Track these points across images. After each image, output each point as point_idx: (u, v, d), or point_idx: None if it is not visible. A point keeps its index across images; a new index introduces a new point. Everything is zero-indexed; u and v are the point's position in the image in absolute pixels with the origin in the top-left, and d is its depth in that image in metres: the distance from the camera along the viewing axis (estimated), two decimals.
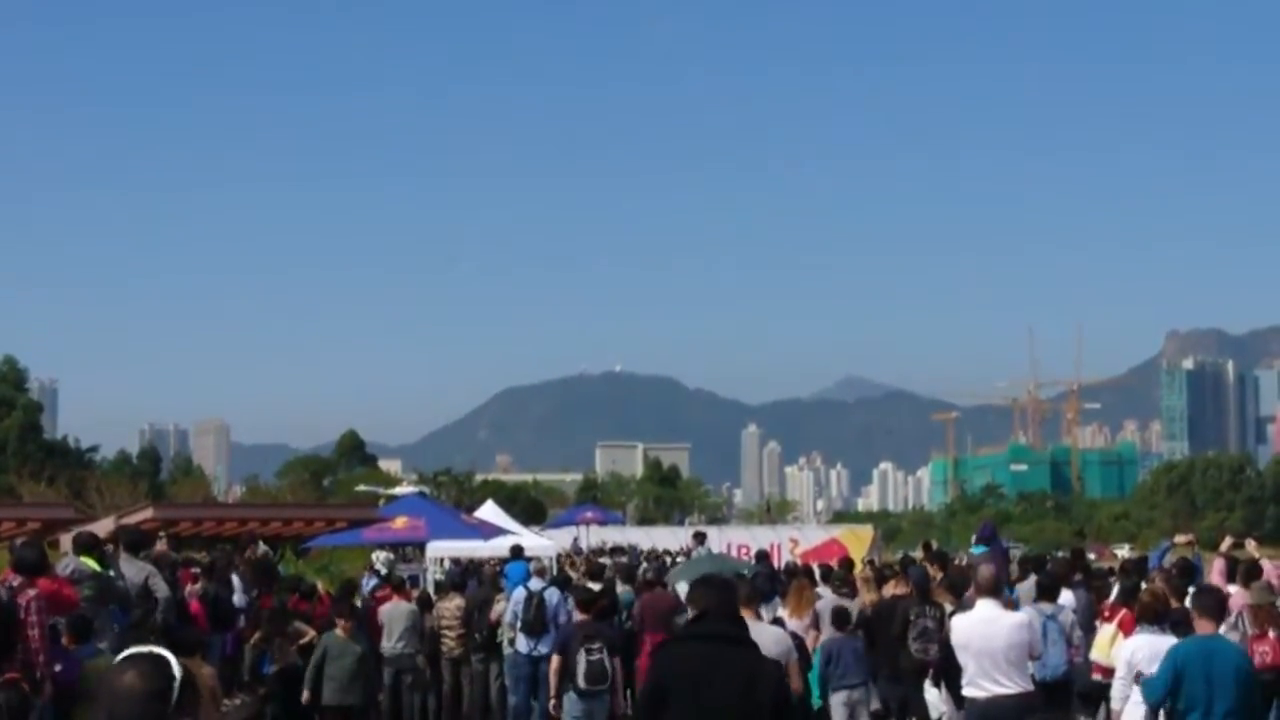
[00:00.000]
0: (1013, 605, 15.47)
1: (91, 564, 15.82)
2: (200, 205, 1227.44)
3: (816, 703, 17.32)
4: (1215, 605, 12.45)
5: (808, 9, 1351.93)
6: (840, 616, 17.71)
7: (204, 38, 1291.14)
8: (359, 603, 24.00)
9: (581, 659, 16.64)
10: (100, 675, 4.81)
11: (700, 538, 36.93)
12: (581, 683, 16.65)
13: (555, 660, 17.19)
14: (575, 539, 54.68)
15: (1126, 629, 15.72)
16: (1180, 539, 24.77)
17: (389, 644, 21.33)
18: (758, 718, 7.94)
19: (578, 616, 17.89)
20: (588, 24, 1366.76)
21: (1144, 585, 18.14)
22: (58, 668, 13.37)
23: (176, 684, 4.78)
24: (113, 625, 15.39)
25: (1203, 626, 12.10)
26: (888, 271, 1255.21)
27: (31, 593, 13.30)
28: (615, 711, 17.59)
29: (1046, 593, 17.50)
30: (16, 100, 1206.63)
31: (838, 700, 17.19)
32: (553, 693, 17.25)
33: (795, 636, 15.88)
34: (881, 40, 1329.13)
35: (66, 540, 21.22)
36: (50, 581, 14.08)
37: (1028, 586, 19.54)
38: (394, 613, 21.36)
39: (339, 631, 18.65)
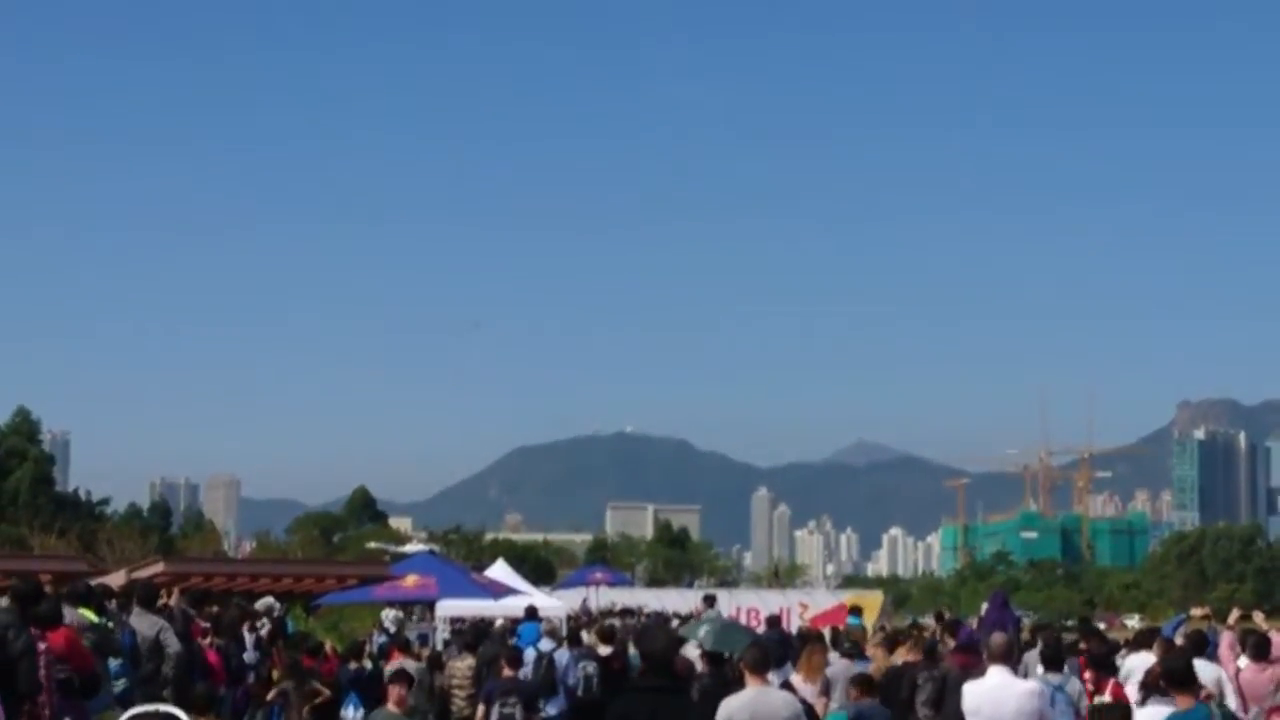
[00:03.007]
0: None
1: (90, 615, 15.87)
2: (214, 260, 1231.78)
3: None
4: (1178, 675, 12.11)
5: (816, 73, 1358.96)
6: (863, 683, 17.72)
7: (217, 89, 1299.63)
8: (367, 662, 23.96)
9: (495, 712, 18.30)
10: None
11: (710, 601, 36.87)
12: None
13: (480, 710, 18.92)
14: (585, 600, 54.60)
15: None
16: (1196, 612, 24.80)
17: None
18: None
19: (507, 672, 19.39)
20: (596, 88, 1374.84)
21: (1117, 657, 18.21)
22: None
23: None
24: (110, 676, 15.44)
25: (1180, 700, 11.87)
26: (899, 337, 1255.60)
27: (42, 646, 13.36)
28: None
29: (1054, 663, 17.49)
30: (27, 150, 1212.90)
31: None
32: None
33: (805, 703, 15.83)
34: (892, 101, 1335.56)
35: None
36: (65, 634, 14.14)
37: (1033, 655, 19.57)
38: None
39: (391, 706, 17.06)
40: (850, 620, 29.28)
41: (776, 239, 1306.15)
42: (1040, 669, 17.78)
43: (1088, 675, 18.14)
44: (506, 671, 19.26)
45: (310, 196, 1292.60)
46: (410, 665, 21.51)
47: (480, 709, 18.92)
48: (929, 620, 45.71)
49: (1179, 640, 19.72)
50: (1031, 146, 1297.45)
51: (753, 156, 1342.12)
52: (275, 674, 21.56)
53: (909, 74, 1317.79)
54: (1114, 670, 18.17)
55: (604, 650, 23.79)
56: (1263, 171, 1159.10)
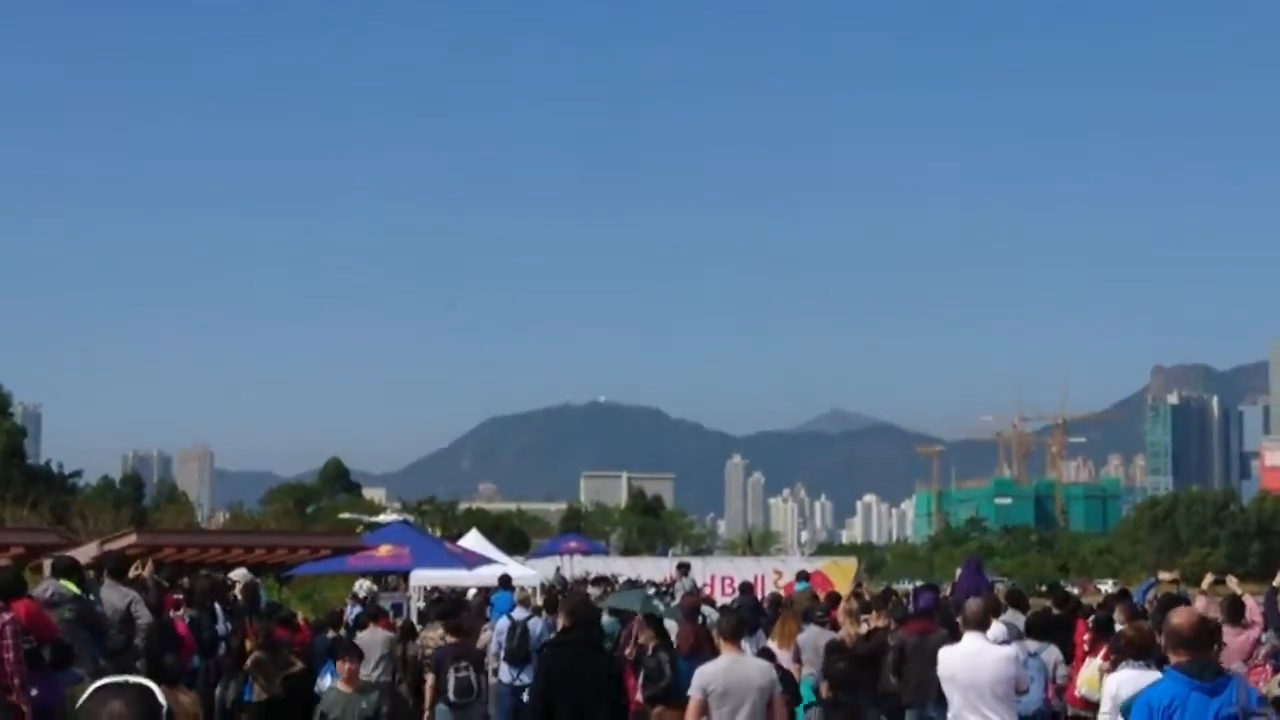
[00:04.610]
0: None
1: (71, 587, 15.78)
2: (186, 231, 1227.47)
3: None
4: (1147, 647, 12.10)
5: (801, 53, 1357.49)
6: (836, 650, 17.75)
7: (186, 61, 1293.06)
8: (343, 632, 23.84)
9: (451, 676, 18.42)
10: (84, 705, 4.71)
11: (684, 569, 36.90)
12: (451, 696, 18.41)
13: (431, 677, 19.16)
14: (558, 568, 54.60)
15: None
16: (1165, 576, 24.85)
17: (366, 672, 21.16)
18: (608, 697, 12.63)
19: (449, 639, 19.60)
20: (576, 59, 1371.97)
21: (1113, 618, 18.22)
22: (34, 691, 13.34)
23: (164, 714, 4.69)
24: (90, 649, 15.36)
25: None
26: (873, 304, 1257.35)
27: (6, 616, 13.30)
28: None
29: (1032, 629, 17.51)
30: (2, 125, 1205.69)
31: None
32: (427, 705, 19.50)
33: (781, 669, 15.81)
34: (871, 84, 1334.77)
35: (49, 566, 21.15)
36: (30, 606, 14.07)
37: (1008, 618, 19.63)
38: (370, 641, 21.14)
39: (341, 685, 15.83)
40: (798, 587, 29.32)
41: (749, 207, 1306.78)
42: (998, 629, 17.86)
43: (1086, 636, 18.16)
44: (451, 638, 19.41)
45: (281, 167, 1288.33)
46: (379, 634, 21.35)
47: (431, 676, 19.07)
48: (906, 586, 45.82)
49: (1149, 605, 19.78)
50: (1003, 113, 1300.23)
51: (722, 124, 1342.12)
52: (247, 644, 21.45)
53: (883, 46, 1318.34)
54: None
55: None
56: (1236, 137, 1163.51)
